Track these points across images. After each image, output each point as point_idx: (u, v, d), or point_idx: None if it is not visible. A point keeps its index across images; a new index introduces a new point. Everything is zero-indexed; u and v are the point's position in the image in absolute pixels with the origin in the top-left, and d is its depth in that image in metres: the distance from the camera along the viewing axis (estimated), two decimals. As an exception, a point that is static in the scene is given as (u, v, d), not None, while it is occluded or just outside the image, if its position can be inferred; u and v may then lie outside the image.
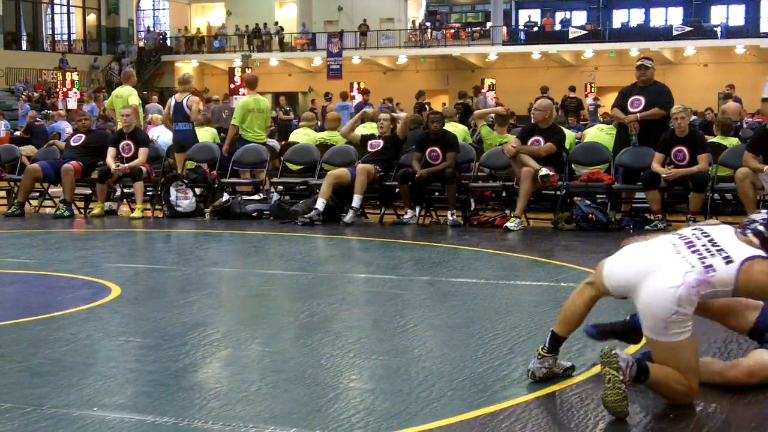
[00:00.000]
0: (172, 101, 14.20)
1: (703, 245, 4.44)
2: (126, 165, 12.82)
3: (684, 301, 4.29)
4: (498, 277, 8.22)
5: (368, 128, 13.62)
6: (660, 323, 4.32)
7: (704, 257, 4.38)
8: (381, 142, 12.27)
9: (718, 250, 4.40)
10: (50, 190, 13.96)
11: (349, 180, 11.79)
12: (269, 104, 14.50)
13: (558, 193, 11.44)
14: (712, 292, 4.36)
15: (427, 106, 25.90)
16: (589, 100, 34.39)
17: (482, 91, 30.48)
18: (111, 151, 12.97)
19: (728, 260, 4.35)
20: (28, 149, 16.91)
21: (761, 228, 4.60)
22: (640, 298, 4.40)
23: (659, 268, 4.38)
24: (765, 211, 4.82)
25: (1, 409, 4.40)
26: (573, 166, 12.00)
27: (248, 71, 22.14)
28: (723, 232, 4.54)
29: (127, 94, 14.47)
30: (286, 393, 4.78)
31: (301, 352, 5.66)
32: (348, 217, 11.60)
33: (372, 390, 4.84)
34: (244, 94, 20.72)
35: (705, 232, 4.53)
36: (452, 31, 47.70)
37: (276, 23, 47.71)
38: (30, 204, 13.74)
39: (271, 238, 11.05)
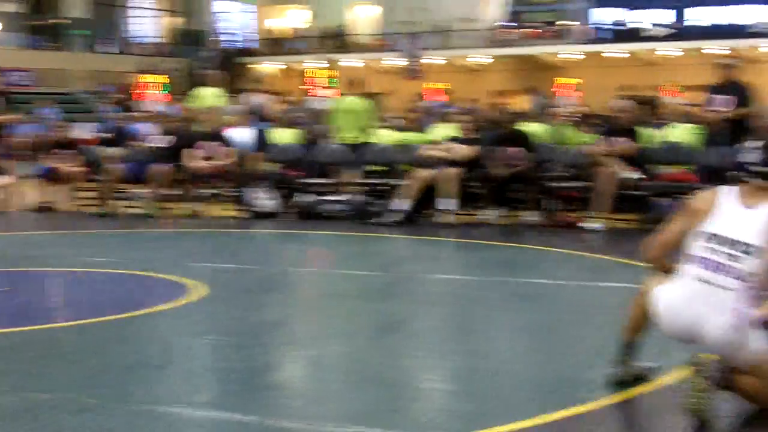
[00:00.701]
0: (250, 100, 14.36)
1: (726, 255, 4.30)
2: (209, 165, 12.98)
3: (744, 324, 4.20)
4: (580, 279, 8.16)
5: (450, 130, 13.59)
6: (741, 355, 4.25)
7: (732, 269, 4.27)
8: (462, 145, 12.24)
9: (741, 249, 4.29)
10: (135, 191, 14.19)
11: (434, 181, 11.76)
12: (367, 105, 14.59)
13: (642, 193, 11.31)
14: (763, 282, 4.26)
15: (506, 106, 25.76)
16: (672, 99, 33.90)
17: (563, 90, 30.24)
18: (195, 152, 13.15)
19: (749, 249, 4.24)
20: (115, 151, 17.19)
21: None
22: (706, 347, 4.33)
23: (705, 319, 4.27)
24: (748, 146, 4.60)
25: (91, 405, 4.50)
26: (655, 165, 11.85)
27: (333, 73, 22.26)
28: (734, 218, 4.38)
29: (209, 96, 14.69)
30: (366, 392, 4.82)
31: (381, 352, 5.69)
32: (438, 218, 11.57)
33: (452, 391, 4.86)
34: (323, 96, 20.88)
35: (720, 238, 4.36)
36: (533, 30, 47.37)
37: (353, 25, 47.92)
38: (118, 204, 13.99)
39: (351, 238, 11.11)
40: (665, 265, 4.59)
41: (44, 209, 13.85)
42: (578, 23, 44.73)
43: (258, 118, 13.96)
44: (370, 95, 14.93)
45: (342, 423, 4.27)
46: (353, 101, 14.24)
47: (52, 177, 13.98)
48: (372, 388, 4.87)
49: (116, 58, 45.41)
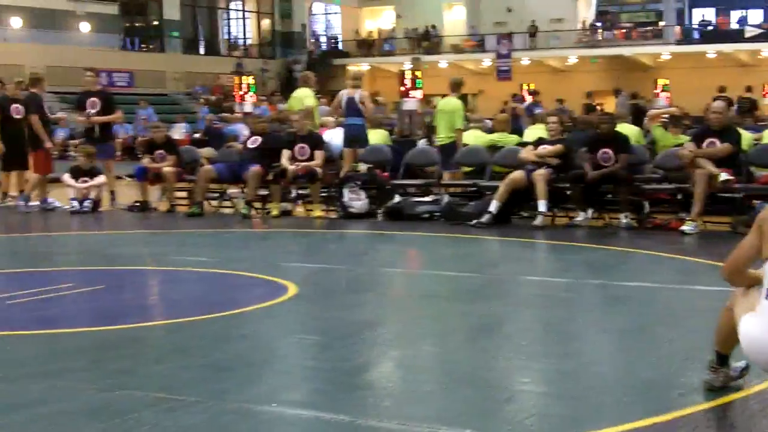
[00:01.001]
0: (344, 96, 14.44)
1: None
2: (301, 166, 13.09)
3: None
4: (673, 282, 8.04)
5: (539, 131, 13.51)
6: None
7: None
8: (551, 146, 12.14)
9: None
10: (227, 191, 14.37)
11: (525, 183, 11.68)
12: (461, 106, 14.74)
13: (736, 195, 11.10)
14: None
15: (597, 107, 25.49)
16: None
17: (653, 91, 29.83)
18: (286, 153, 13.27)
19: None
20: (207, 151, 17.45)
21: None
22: None
23: None
24: None
25: (186, 403, 4.57)
26: (751, 168, 11.61)
27: (417, 74, 22.26)
28: None
29: (302, 97, 14.82)
30: (458, 394, 4.80)
31: (473, 353, 5.68)
32: (538, 221, 11.49)
33: (544, 393, 4.82)
34: (413, 97, 20.90)
35: None
36: (623, 30, 46.82)
37: (443, 26, 47.92)
38: (210, 204, 14.20)
39: (441, 239, 11.10)
40: (745, 280, 4.44)
41: (138, 208, 14.11)
42: (669, 23, 44.05)
43: (354, 114, 14.05)
44: (463, 96, 15.05)
45: (433, 424, 4.26)
46: (450, 102, 14.33)
47: (146, 177, 14.24)
48: (464, 389, 4.85)
49: (210, 60, 46.11)
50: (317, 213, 13.14)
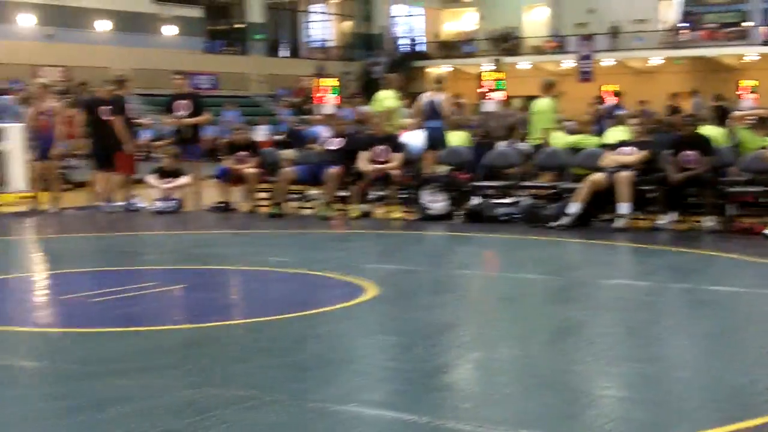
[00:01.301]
0: (424, 99, 14.47)
1: None
2: (380, 167, 13.12)
3: None
4: (758, 286, 7.89)
5: (621, 133, 13.35)
6: None
7: None
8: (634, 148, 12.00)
9: None
10: (308, 192, 14.46)
11: (606, 185, 11.56)
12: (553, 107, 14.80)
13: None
14: None
15: (680, 109, 25.09)
16: None
17: (738, 93, 29.32)
18: (364, 155, 13.32)
19: None
20: (289, 153, 17.59)
21: None
22: None
23: None
24: None
25: (265, 401, 4.61)
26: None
27: (498, 75, 22.22)
28: None
29: (383, 98, 14.88)
30: (537, 397, 4.78)
31: (553, 356, 5.64)
32: (619, 223, 11.37)
33: (626, 398, 4.77)
34: (493, 99, 20.87)
35: None
36: (708, 31, 46.06)
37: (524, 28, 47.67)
38: (290, 205, 14.31)
39: (521, 241, 11.04)
40: None
41: (220, 209, 14.29)
42: (757, 24, 43.22)
43: (434, 117, 14.07)
44: (554, 97, 15.07)
45: (513, 427, 4.24)
46: (542, 103, 14.34)
47: (229, 178, 14.41)
48: (544, 392, 4.83)
49: (293, 62, 46.49)
50: (396, 215, 13.18)
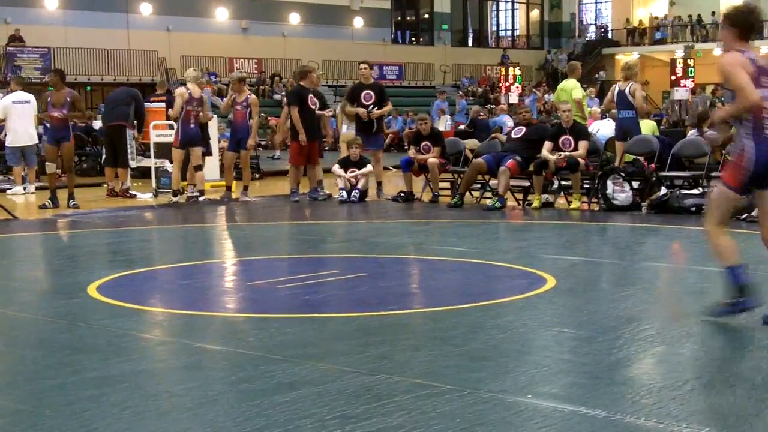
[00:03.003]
0: (615, 89, 14.21)
1: None
2: (563, 156, 12.96)
3: None
4: None
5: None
6: None
7: None
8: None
9: None
10: (491, 182, 14.43)
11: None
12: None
13: None
14: None
15: None
16: None
17: None
18: (548, 145, 13.18)
19: None
20: (471, 142, 17.61)
21: None
22: None
23: None
24: None
25: (441, 390, 4.63)
26: None
27: (689, 62, 21.59)
28: None
29: (570, 88, 14.69)
30: (722, 395, 4.63)
31: (740, 353, 5.46)
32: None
33: (816, 398, 4.57)
34: (685, 86, 20.33)
35: None
36: None
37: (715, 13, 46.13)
38: (471, 195, 14.32)
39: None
40: None
41: (402, 198, 14.42)
42: None
43: (625, 106, 13.78)
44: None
45: (695, 425, 4.12)
46: None
47: (411, 168, 14.52)
48: (729, 390, 4.67)
49: (478, 52, 46.50)
50: (577, 204, 13.00)
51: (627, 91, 13.77)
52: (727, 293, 5.98)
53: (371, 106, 14.85)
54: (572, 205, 13.08)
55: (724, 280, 6.03)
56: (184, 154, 14.43)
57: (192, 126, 14.42)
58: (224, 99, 18.55)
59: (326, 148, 18.77)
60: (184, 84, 15.09)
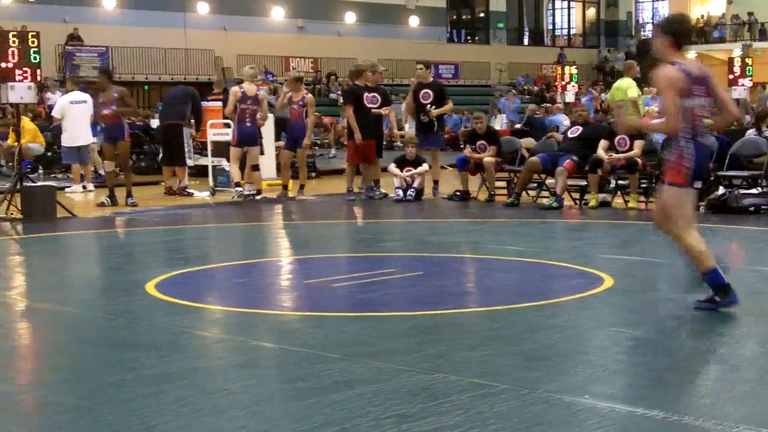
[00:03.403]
0: None
1: None
2: (616, 156, 12.87)
3: None
4: None
5: None
6: None
7: None
8: None
9: None
10: (548, 182, 14.35)
11: None
12: None
13: None
14: None
15: None
16: None
17: None
18: (603, 144, 13.08)
19: None
20: (527, 141, 17.53)
21: None
22: None
23: None
24: None
25: (498, 390, 4.63)
26: None
27: (747, 61, 21.28)
28: None
29: (625, 87, 14.57)
30: (781, 396, 4.58)
31: (800, 355, 5.39)
32: None
33: None
34: (743, 85, 20.05)
35: None
36: None
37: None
38: (528, 194, 14.26)
39: (769, 234, 10.57)
40: None
41: (458, 197, 14.40)
42: None
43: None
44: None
45: (753, 426, 4.07)
46: None
47: (467, 167, 14.50)
48: (787, 392, 4.63)
49: (534, 50, 46.30)
50: (635, 204, 12.90)
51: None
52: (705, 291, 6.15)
53: (429, 105, 14.86)
54: (629, 205, 12.98)
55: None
56: (241, 152, 14.55)
57: (248, 125, 14.52)
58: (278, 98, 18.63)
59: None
60: (241, 82, 15.18)
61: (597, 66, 47.25)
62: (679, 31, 6.29)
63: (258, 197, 14.67)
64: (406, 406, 4.40)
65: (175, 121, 16.27)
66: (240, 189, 14.51)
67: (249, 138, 14.56)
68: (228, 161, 15.20)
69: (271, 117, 17.81)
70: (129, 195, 14.28)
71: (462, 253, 9.72)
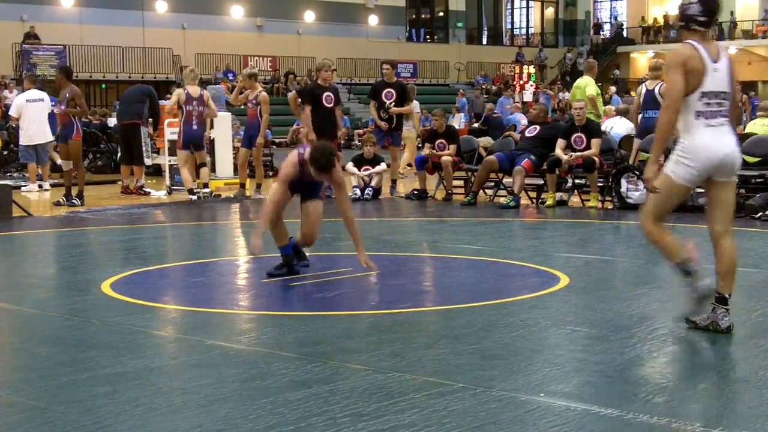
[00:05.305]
0: (642, 89, 14.11)
1: None
2: (576, 155, 12.94)
3: None
4: None
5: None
6: None
7: None
8: None
9: None
10: (505, 181, 14.41)
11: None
12: None
13: None
14: None
15: None
16: None
17: None
18: (560, 142, 13.15)
19: None
20: (485, 140, 17.60)
21: None
22: None
23: None
24: None
25: (453, 388, 4.63)
26: None
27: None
28: None
29: (584, 85, 14.65)
30: (736, 394, 4.62)
31: (753, 352, 5.44)
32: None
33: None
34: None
35: None
36: None
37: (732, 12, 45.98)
38: (485, 193, 14.30)
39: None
40: None
41: (416, 196, 14.42)
42: None
43: (652, 106, 13.69)
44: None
45: (708, 424, 4.11)
46: None
47: (425, 166, 14.52)
48: (743, 389, 4.67)
49: (493, 50, 46.48)
50: (592, 203, 12.98)
51: (657, 91, 13.66)
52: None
53: (392, 104, 14.92)
54: (589, 204, 13.06)
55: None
56: (189, 155, 14.49)
57: (195, 127, 14.47)
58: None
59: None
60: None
61: (555, 65, 47.51)
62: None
63: (206, 190, 14.64)
64: (362, 405, 4.39)
65: (132, 120, 16.15)
66: (193, 197, 14.39)
67: (195, 140, 14.51)
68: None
69: (228, 115, 17.74)
70: (79, 194, 14.06)
71: (419, 252, 9.73)
